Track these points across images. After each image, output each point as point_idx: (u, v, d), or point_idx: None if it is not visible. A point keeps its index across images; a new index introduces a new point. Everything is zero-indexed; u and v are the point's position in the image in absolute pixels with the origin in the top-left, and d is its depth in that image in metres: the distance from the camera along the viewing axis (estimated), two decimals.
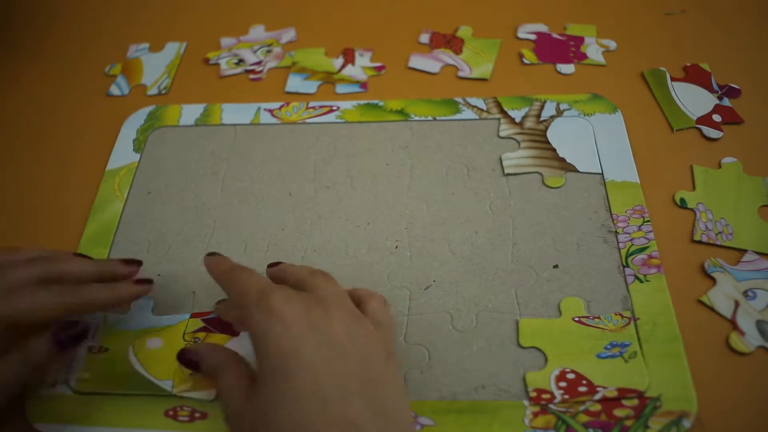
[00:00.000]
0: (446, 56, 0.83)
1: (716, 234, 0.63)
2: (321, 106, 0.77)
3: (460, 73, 0.81)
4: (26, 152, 0.77)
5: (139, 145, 0.75)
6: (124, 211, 0.69)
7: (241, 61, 0.85)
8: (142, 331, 0.61)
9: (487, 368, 0.56)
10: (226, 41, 0.89)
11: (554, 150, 0.70)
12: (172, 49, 0.89)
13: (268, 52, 0.86)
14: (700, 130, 0.71)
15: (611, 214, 0.64)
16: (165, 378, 0.57)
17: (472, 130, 0.73)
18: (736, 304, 0.58)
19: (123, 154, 0.75)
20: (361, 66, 0.83)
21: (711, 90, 0.75)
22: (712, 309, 0.58)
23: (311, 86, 0.81)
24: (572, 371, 0.55)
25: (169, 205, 0.70)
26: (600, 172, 0.68)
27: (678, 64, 0.79)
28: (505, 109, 0.75)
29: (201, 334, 0.60)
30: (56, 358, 0.53)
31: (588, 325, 0.57)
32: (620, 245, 0.62)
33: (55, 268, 0.54)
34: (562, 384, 0.54)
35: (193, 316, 0.61)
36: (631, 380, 0.54)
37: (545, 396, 0.54)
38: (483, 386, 0.55)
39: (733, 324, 0.57)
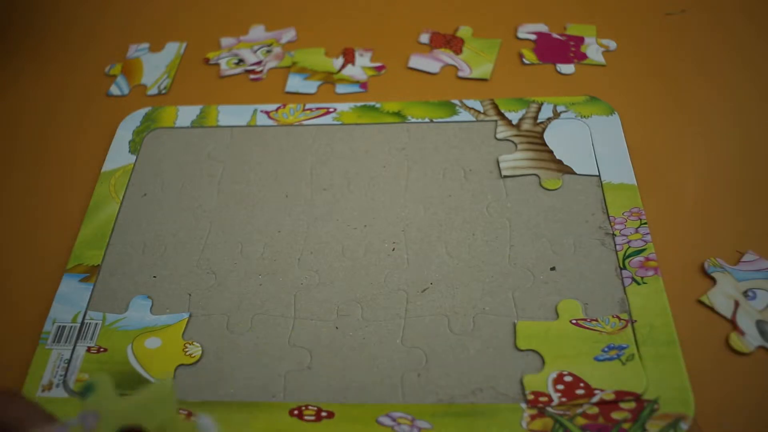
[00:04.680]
0: (446, 56, 0.83)
1: None
2: (318, 108, 0.77)
3: (460, 73, 0.81)
4: (25, 153, 0.77)
5: (135, 147, 0.75)
6: (119, 213, 0.69)
7: (241, 61, 0.85)
8: (140, 331, 0.61)
9: (484, 371, 0.56)
10: (226, 41, 0.89)
11: (551, 152, 0.70)
12: (172, 49, 0.88)
13: (268, 52, 0.86)
14: None
15: (608, 217, 0.64)
16: (164, 378, 0.57)
17: (469, 132, 0.73)
18: (736, 304, 0.58)
19: (119, 156, 0.74)
20: (361, 66, 0.83)
21: None
22: (711, 309, 0.58)
23: (311, 86, 0.81)
24: (570, 374, 0.55)
25: (165, 207, 0.70)
26: (597, 174, 0.68)
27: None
28: (502, 111, 0.74)
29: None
30: None
31: (585, 328, 0.57)
32: (617, 247, 0.62)
33: None
34: (560, 387, 0.54)
35: None
36: (629, 383, 0.54)
37: (543, 399, 0.54)
38: (480, 389, 0.55)
39: (733, 324, 0.57)
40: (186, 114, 0.78)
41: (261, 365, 0.58)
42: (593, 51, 0.82)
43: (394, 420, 0.53)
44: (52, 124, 0.80)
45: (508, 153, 0.71)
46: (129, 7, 0.96)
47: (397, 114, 0.76)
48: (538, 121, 0.73)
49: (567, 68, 0.80)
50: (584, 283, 0.60)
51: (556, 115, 0.73)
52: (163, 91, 0.82)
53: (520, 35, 0.85)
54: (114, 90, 0.83)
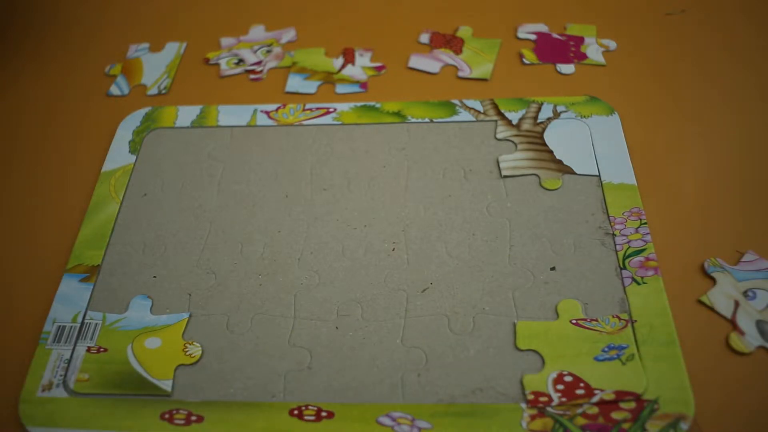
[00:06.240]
0: (446, 56, 0.83)
1: None
2: (318, 108, 0.77)
3: (460, 73, 0.81)
4: (24, 153, 0.77)
5: (135, 147, 0.75)
6: (119, 213, 0.69)
7: (241, 61, 0.85)
8: (140, 331, 0.61)
9: (484, 371, 0.56)
10: (226, 41, 0.89)
11: (551, 152, 0.70)
12: (172, 49, 0.89)
13: (268, 52, 0.86)
14: None
15: (608, 216, 0.64)
16: (164, 378, 0.57)
17: (469, 132, 0.73)
18: (736, 304, 0.58)
19: (119, 156, 0.74)
20: (361, 66, 0.83)
21: None
22: (711, 309, 0.58)
23: (311, 86, 0.81)
24: (570, 374, 0.55)
25: (165, 207, 0.70)
26: (597, 174, 0.68)
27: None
28: (502, 111, 0.74)
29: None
30: None
31: (585, 328, 0.57)
32: (617, 247, 0.62)
33: None
34: (560, 387, 0.54)
35: None
36: (629, 383, 0.54)
37: (543, 399, 0.54)
38: (480, 389, 0.55)
39: (733, 324, 0.57)
40: (186, 114, 0.78)
41: (261, 365, 0.58)
42: (593, 51, 0.82)
43: (394, 420, 0.53)
44: (52, 124, 0.80)
45: (508, 153, 0.71)
46: (129, 7, 0.96)
47: (397, 114, 0.76)
48: (538, 121, 0.73)
49: (567, 68, 0.80)
50: (584, 283, 0.60)
51: (556, 115, 0.73)
52: (163, 91, 0.82)
53: (520, 35, 0.85)
54: (114, 90, 0.83)
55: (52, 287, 0.64)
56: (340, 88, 0.80)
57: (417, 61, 0.83)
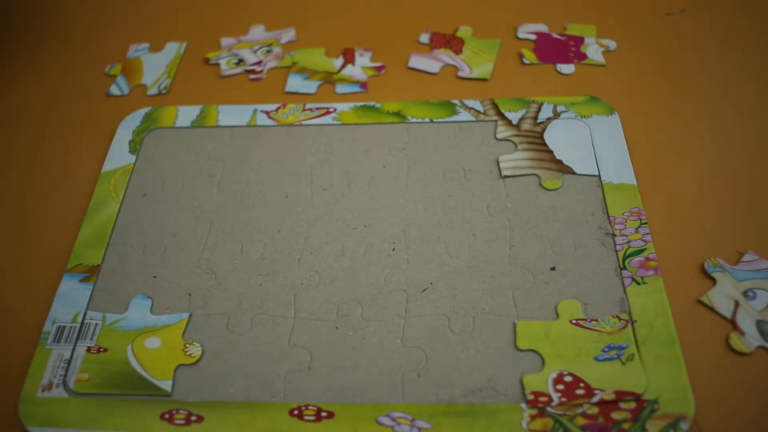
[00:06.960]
0: (446, 56, 0.83)
1: None
2: (318, 108, 0.77)
3: (460, 73, 0.81)
4: (24, 153, 0.77)
5: (135, 147, 0.75)
6: (119, 213, 0.69)
7: (241, 61, 0.85)
8: (140, 331, 0.60)
9: (484, 371, 0.56)
10: (226, 41, 0.89)
11: (551, 152, 0.70)
12: (172, 49, 0.89)
13: (268, 52, 0.86)
14: None
15: (608, 217, 0.64)
16: (164, 378, 0.57)
17: (469, 132, 0.73)
18: (736, 304, 0.58)
19: (119, 156, 0.74)
20: (361, 66, 0.83)
21: None
22: (711, 309, 0.58)
23: (311, 86, 0.81)
24: (570, 374, 0.55)
25: (164, 207, 0.70)
26: (597, 174, 0.68)
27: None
28: (502, 111, 0.74)
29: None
30: None
31: (585, 328, 0.57)
32: (617, 247, 0.62)
33: None
34: (560, 387, 0.54)
35: None
36: (629, 383, 0.54)
37: (543, 399, 0.54)
38: (480, 389, 0.55)
39: (733, 324, 0.57)
40: (186, 114, 0.78)
41: (261, 365, 0.58)
42: (593, 51, 0.82)
43: (394, 420, 0.53)
44: (51, 124, 0.80)
45: (508, 153, 0.71)
46: (129, 7, 0.96)
47: (397, 114, 0.76)
48: (538, 121, 0.73)
49: (567, 68, 0.80)
50: (584, 283, 0.60)
51: (556, 115, 0.73)
52: (163, 91, 0.82)
53: (520, 35, 0.85)
54: (114, 90, 0.83)
55: (52, 287, 0.64)
56: (340, 88, 0.80)
57: (417, 61, 0.83)
